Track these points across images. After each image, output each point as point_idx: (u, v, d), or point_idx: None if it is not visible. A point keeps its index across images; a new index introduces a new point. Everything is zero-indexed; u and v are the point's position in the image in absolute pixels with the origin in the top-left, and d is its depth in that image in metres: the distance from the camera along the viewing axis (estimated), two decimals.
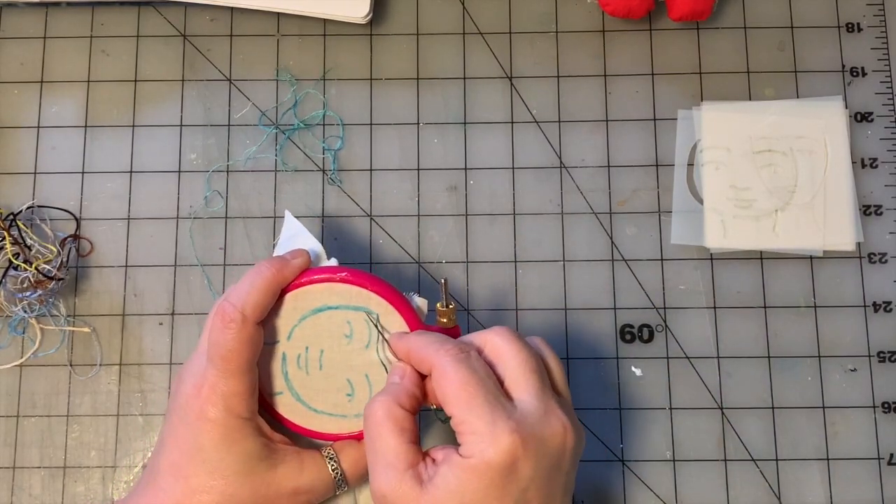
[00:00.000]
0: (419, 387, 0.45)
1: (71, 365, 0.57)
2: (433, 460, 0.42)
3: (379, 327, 0.48)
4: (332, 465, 0.47)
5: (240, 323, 0.45)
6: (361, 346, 0.48)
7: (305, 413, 0.49)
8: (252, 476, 0.45)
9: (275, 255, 0.50)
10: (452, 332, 0.48)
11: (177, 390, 0.47)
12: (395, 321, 0.48)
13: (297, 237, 0.51)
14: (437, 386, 0.43)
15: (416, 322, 0.48)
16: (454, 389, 0.41)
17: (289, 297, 0.48)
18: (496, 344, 0.44)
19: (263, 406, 0.49)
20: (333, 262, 0.50)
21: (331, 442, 0.49)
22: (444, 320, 0.48)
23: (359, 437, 0.48)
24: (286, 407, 0.49)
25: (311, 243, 0.50)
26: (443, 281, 0.48)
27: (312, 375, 0.48)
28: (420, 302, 0.49)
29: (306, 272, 0.48)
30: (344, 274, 0.48)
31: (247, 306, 0.45)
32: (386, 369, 0.48)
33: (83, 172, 0.59)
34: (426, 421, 0.55)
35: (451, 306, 0.48)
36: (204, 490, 0.45)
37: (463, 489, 0.40)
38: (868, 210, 0.58)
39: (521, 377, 0.43)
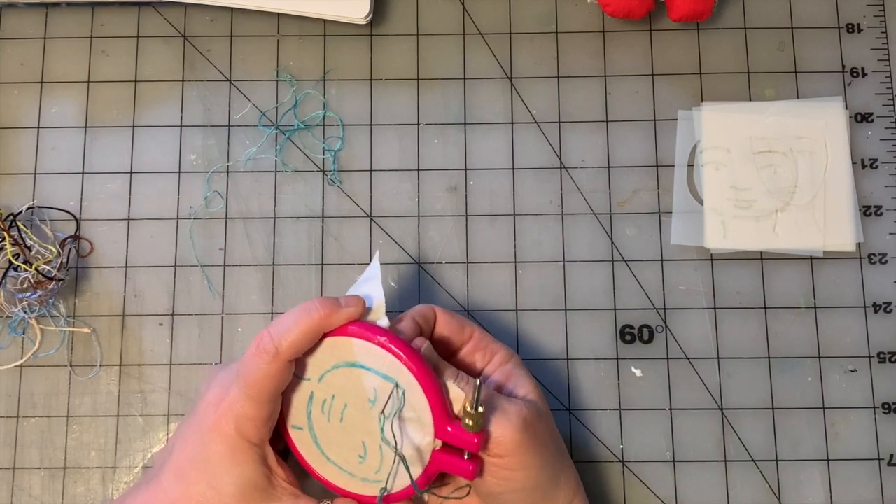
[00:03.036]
0: None
1: (71, 365, 0.57)
2: None
3: (393, 403, 0.45)
4: None
5: (272, 356, 0.44)
6: (382, 417, 0.46)
7: (318, 457, 0.48)
8: (243, 502, 0.46)
9: (349, 293, 0.48)
10: (474, 438, 0.44)
11: (203, 394, 0.47)
12: (419, 403, 0.45)
13: (370, 281, 0.49)
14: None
15: (443, 413, 0.45)
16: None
17: (328, 341, 0.46)
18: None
19: (282, 433, 0.49)
20: (385, 321, 0.47)
21: (333, 495, 0.48)
22: (470, 423, 0.44)
23: (359, 500, 0.48)
24: (302, 444, 0.49)
25: (377, 293, 0.48)
26: (477, 382, 0.44)
27: (332, 424, 0.47)
28: (455, 395, 0.46)
29: (354, 322, 0.46)
30: (384, 339, 0.45)
31: (283, 343, 0.45)
32: (391, 446, 0.46)
33: (83, 173, 0.59)
34: None
35: (480, 410, 0.44)
36: (200, 500, 0.46)
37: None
38: (868, 210, 0.58)
39: None
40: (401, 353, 0.45)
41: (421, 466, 0.46)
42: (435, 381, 0.45)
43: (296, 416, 0.48)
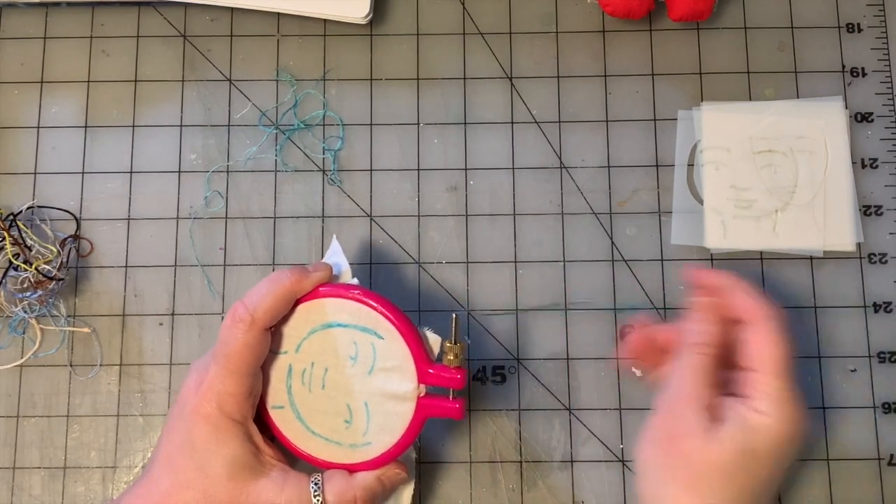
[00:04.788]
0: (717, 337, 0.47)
1: (71, 365, 0.57)
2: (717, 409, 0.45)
3: (376, 350, 0.47)
4: (315, 491, 0.47)
5: (248, 324, 0.45)
6: (364, 372, 0.47)
7: (302, 433, 0.48)
8: (233, 481, 0.46)
9: None
10: (457, 374, 0.47)
11: (182, 383, 0.48)
12: (399, 350, 0.47)
13: (333, 257, 0.50)
14: (758, 340, 0.45)
15: (423, 355, 0.47)
16: (778, 351, 0.45)
17: (301, 307, 0.48)
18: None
19: (264, 418, 0.49)
20: (355, 281, 0.49)
21: (322, 471, 0.48)
22: (451, 357, 0.47)
23: (350, 469, 0.48)
24: (285, 423, 0.49)
25: (342, 262, 0.50)
26: (453, 316, 0.47)
27: (315, 394, 0.48)
28: (433, 339, 0.48)
29: (324, 285, 0.48)
30: (356, 292, 0.47)
31: (258, 310, 0.46)
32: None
33: (83, 172, 0.59)
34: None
35: (458, 344, 0.47)
36: (190, 486, 0.46)
37: (748, 442, 0.44)
38: (868, 210, 0.58)
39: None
40: (375, 304, 0.47)
41: (408, 416, 0.47)
42: (412, 327, 0.47)
43: (276, 396, 0.49)
